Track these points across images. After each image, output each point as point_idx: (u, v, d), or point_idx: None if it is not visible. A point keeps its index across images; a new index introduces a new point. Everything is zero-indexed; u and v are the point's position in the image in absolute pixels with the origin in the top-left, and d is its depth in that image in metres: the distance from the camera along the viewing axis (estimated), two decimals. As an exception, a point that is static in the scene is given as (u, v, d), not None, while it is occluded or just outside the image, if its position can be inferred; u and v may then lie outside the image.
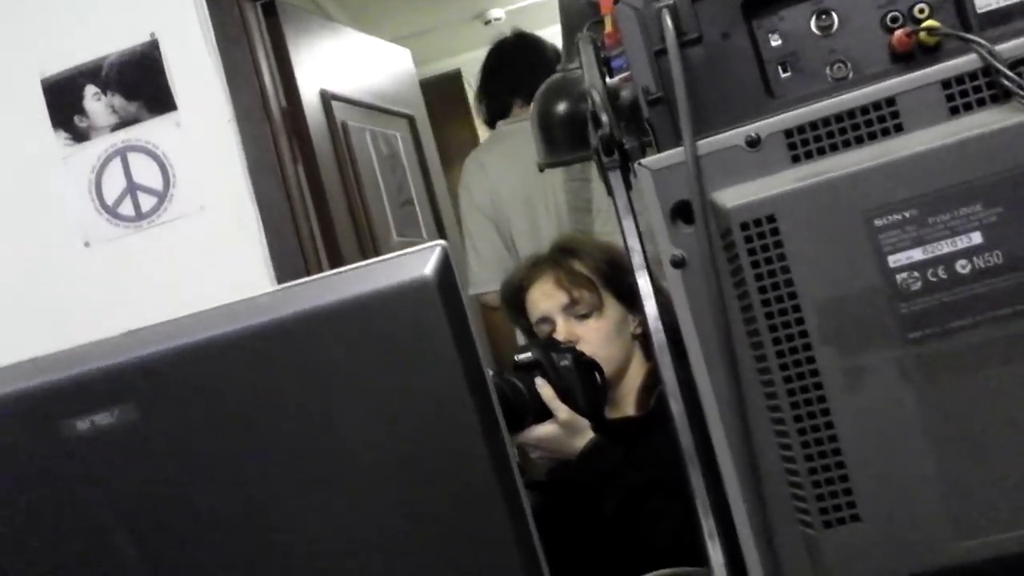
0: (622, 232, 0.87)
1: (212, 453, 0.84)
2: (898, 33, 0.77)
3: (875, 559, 0.72)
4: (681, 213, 0.78)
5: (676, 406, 0.83)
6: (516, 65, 3.12)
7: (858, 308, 0.72)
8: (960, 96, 0.74)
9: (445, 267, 0.82)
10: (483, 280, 2.96)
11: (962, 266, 0.71)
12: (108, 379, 0.85)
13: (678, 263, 0.77)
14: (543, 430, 1.82)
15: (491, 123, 3.21)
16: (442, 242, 0.83)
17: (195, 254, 2.55)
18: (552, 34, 2.64)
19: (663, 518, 1.78)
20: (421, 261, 0.82)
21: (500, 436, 0.82)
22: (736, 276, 0.75)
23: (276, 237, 2.55)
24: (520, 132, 3.01)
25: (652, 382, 2.03)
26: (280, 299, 0.85)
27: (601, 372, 1.91)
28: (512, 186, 2.98)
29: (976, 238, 0.71)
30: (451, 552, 0.83)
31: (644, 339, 2.08)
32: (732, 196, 0.75)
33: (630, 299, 2.05)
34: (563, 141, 1.26)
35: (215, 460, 0.84)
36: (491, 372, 1.78)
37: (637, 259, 0.85)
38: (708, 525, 0.83)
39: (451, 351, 0.81)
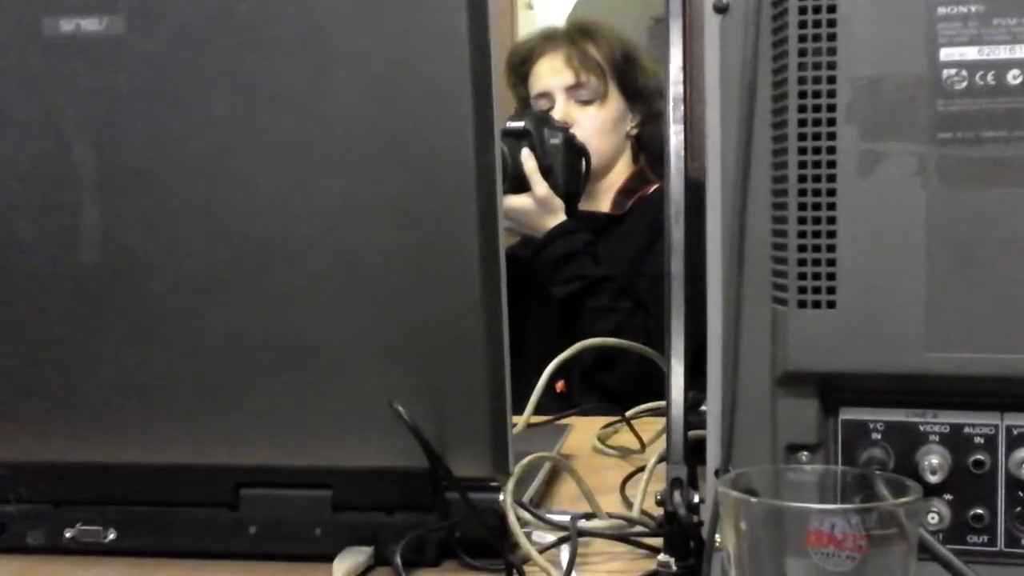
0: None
1: (192, 85, 0.81)
2: None
3: (838, 348, 0.70)
4: (738, -42, 0.73)
5: (676, 163, 0.80)
6: None
7: (894, 93, 0.68)
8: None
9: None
10: None
11: (1014, 76, 0.67)
12: (103, -16, 0.81)
13: (721, 8, 0.73)
14: (517, 201, 1.81)
15: None
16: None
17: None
18: None
19: (606, 314, 1.78)
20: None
21: (491, 146, 0.79)
22: (778, 35, 0.71)
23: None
24: None
25: (633, 186, 2.01)
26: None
27: (588, 160, 1.89)
28: None
29: (1036, 51, 0.67)
30: (409, 240, 0.81)
31: (637, 142, 2.05)
32: (796, -51, 0.71)
33: (634, 97, 2.01)
34: None
35: (194, 93, 0.81)
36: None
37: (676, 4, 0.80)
38: (677, 299, 0.81)
39: (463, 44, 0.77)
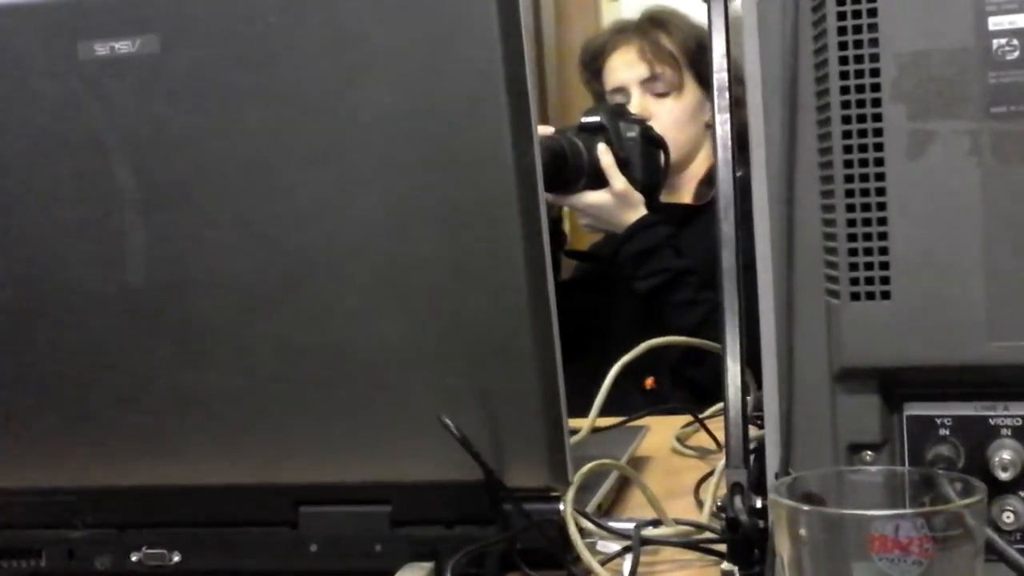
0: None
1: (228, 100, 0.81)
2: None
3: (895, 341, 0.66)
4: (773, -65, 0.70)
5: (723, 154, 0.77)
6: None
7: (942, 68, 0.64)
8: None
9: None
10: None
11: (1070, 42, 0.63)
12: (135, 6, 0.80)
13: (757, -11, 0.70)
14: (595, 197, 1.78)
15: None
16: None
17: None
18: None
19: (691, 308, 1.74)
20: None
21: (530, 147, 0.77)
22: (817, 13, 0.68)
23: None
24: None
25: (714, 176, 1.96)
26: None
27: (666, 152, 1.85)
28: None
29: (1094, 14, 0.62)
30: (452, 245, 0.79)
31: (717, 131, 2.00)
32: (832, -78, 0.67)
33: (711, 85, 1.96)
34: None
35: (229, 107, 0.81)
36: (552, 128, 1.72)
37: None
38: (729, 296, 0.77)
39: (495, 44, 0.75)
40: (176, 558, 0.89)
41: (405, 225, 0.80)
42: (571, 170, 1.73)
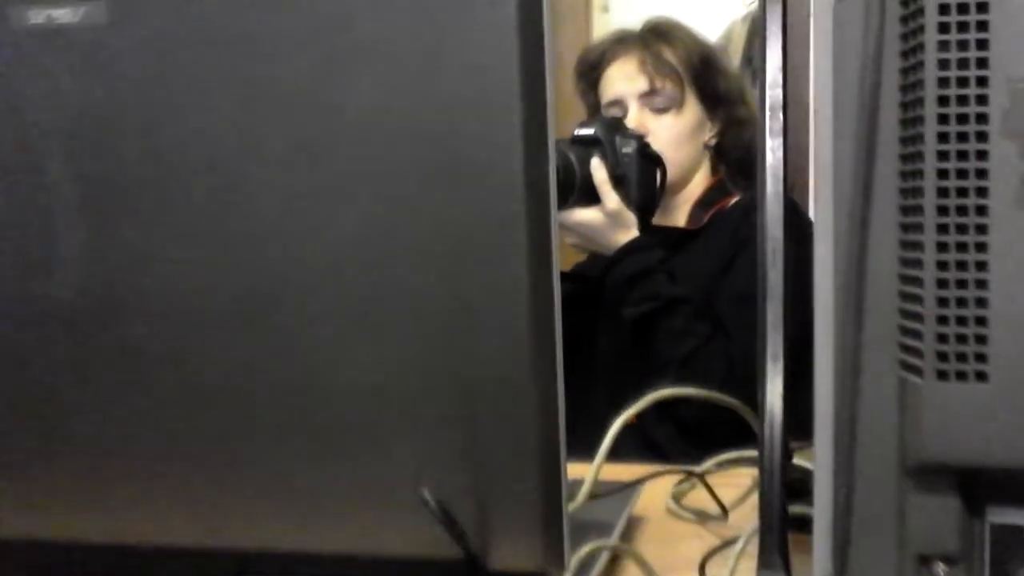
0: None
1: (186, 86, 0.68)
2: None
3: (989, 434, 0.54)
4: (859, -71, 0.57)
5: (774, 186, 0.65)
6: None
7: (1069, 101, 0.52)
8: None
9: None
10: None
11: None
12: (74, -32, 0.67)
13: (837, -7, 0.58)
14: (586, 214, 1.66)
15: None
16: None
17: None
18: None
19: (682, 338, 1.62)
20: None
21: (544, 160, 0.64)
22: (909, 24, 0.55)
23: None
24: None
25: (711, 198, 1.85)
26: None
27: (663, 171, 1.73)
28: None
29: None
30: (445, 273, 0.66)
31: (716, 151, 1.89)
32: (937, -83, 0.55)
33: (713, 103, 1.84)
34: None
35: (188, 95, 0.68)
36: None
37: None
38: (774, 344, 0.65)
39: (511, 36, 0.63)
40: (98, 624, 0.75)
41: (390, 244, 0.67)
42: (562, 184, 1.60)
